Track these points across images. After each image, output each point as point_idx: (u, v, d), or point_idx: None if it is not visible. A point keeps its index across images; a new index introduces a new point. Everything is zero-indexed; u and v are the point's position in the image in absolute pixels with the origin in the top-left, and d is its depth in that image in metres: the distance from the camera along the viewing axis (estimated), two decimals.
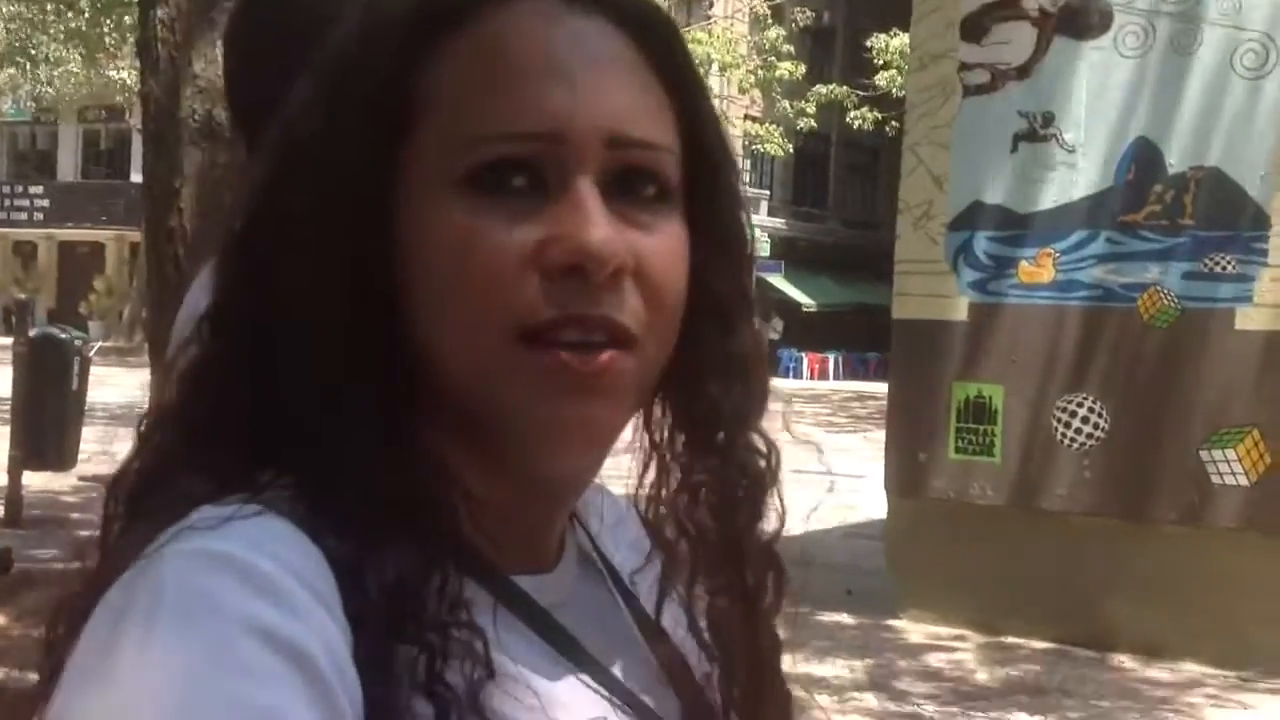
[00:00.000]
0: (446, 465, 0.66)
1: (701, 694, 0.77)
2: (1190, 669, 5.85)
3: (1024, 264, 6.41)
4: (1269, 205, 5.89)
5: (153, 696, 0.55)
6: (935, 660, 5.98)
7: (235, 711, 0.55)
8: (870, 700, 5.32)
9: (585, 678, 0.70)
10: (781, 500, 0.77)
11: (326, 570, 0.61)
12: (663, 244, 0.68)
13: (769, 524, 0.78)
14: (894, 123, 17.95)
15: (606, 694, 0.71)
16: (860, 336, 32.60)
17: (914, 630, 6.45)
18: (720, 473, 0.75)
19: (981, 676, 5.75)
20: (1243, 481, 5.89)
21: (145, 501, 0.66)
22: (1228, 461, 5.93)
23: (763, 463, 0.76)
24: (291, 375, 0.66)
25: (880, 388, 7.16)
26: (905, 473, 6.65)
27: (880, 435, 7.05)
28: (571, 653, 0.70)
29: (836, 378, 33.28)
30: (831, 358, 34.59)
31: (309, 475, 0.64)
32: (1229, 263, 5.96)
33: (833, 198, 40.38)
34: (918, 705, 5.28)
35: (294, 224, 0.67)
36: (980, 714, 5.19)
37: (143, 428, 0.70)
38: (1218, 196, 6.00)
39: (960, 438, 6.49)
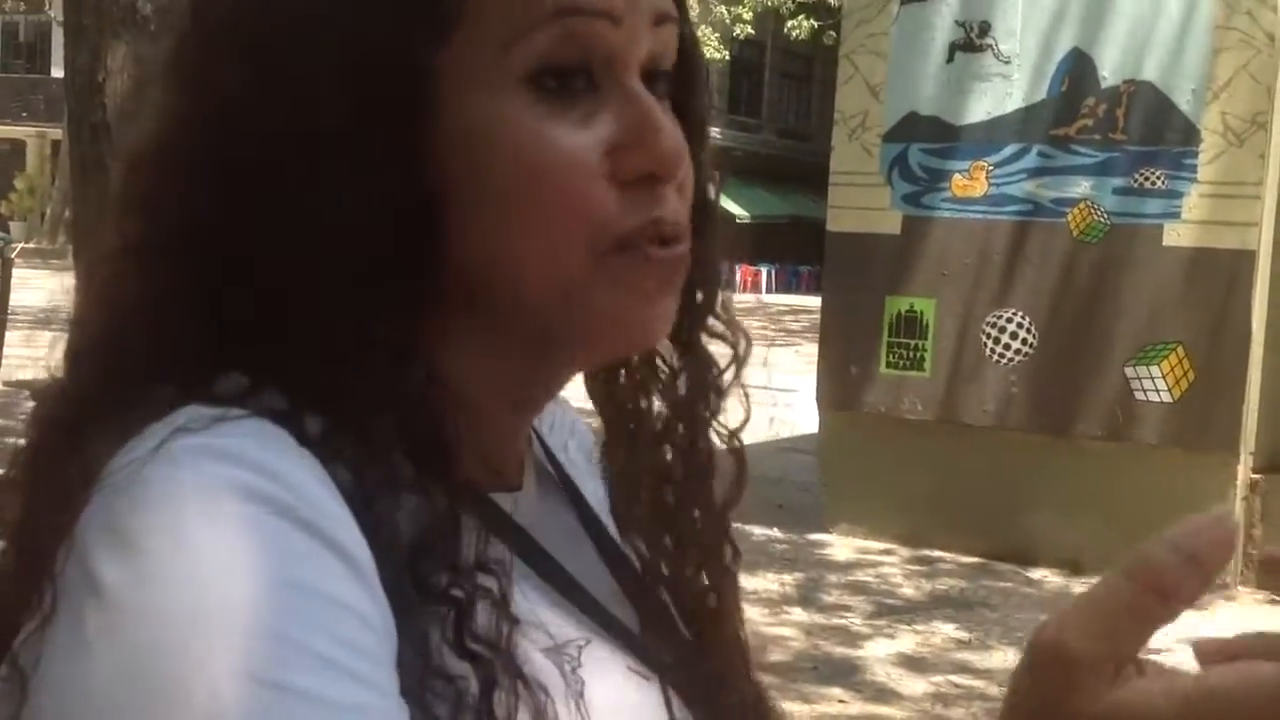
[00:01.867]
0: (461, 393, 0.61)
1: (657, 601, 0.74)
2: None
3: (957, 177, 6.38)
4: (1199, 121, 5.89)
5: (207, 597, 0.50)
6: (863, 574, 6.05)
7: (301, 597, 0.51)
8: (799, 614, 5.36)
9: (566, 600, 0.68)
10: (746, 392, 0.76)
11: (338, 494, 0.55)
12: (684, 142, 0.65)
13: (735, 415, 0.76)
14: (831, 32, 17.79)
15: (587, 616, 0.68)
16: (794, 249, 32.66)
17: (843, 544, 6.51)
18: (693, 358, 0.74)
19: (908, 590, 5.82)
20: (1166, 398, 5.96)
21: (93, 423, 0.58)
22: (1152, 378, 5.99)
23: (730, 351, 0.75)
24: (300, 303, 0.59)
25: (813, 301, 7.16)
26: (837, 387, 6.66)
27: (812, 349, 7.05)
28: (555, 577, 0.68)
29: (769, 291, 33.39)
30: (764, 270, 34.66)
31: (306, 398, 0.58)
32: (1159, 178, 5.97)
33: (768, 107, 40.16)
34: (845, 618, 5.33)
35: (305, 125, 0.58)
36: (905, 627, 5.25)
37: (69, 355, 0.63)
38: (1149, 111, 5.99)
39: (892, 352, 6.50)
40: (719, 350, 0.75)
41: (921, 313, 6.45)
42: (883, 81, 6.53)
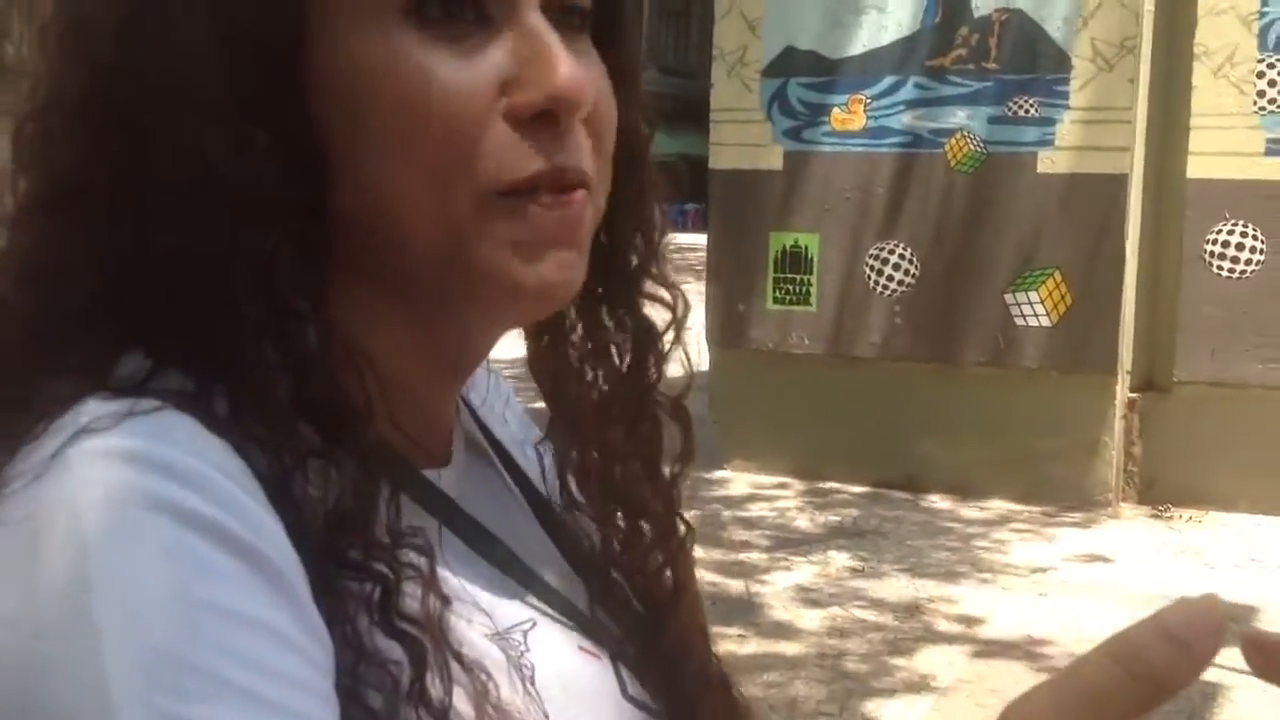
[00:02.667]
0: (369, 354, 0.57)
1: (605, 572, 0.71)
2: (997, 505, 6.11)
3: (836, 111, 6.40)
4: (1070, 48, 5.98)
5: (108, 616, 0.46)
6: (759, 509, 6.11)
7: (207, 617, 0.47)
8: (697, 551, 5.38)
9: (508, 579, 0.64)
10: (686, 350, 0.72)
11: (253, 481, 0.51)
12: (602, 81, 0.61)
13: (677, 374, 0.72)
14: None
15: (530, 594, 0.65)
16: (679, 187, 32.62)
17: (738, 480, 6.56)
18: (631, 325, 0.70)
19: (802, 523, 5.89)
20: (1045, 322, 6.09)
21: None
22: (1031, 304, 6.11)
23: (669, 312, 0.71)
24: (187, 257, 0.54)
25: (699, 239, 7.14)
26: (725, 324, 6.68)
27: (700, 287, 7.05)
28: (491, 553, 0.64)
29: None
30: None
31: (210, 376, 0.54)
32: (1032, 106, 6.05)
33: (648, 44, 40.00)
34: (742, 554, 5.39)
35: (182, 71, 0.55)
36: (802, 559, 5.32)
37: None
38: (1021, 39, 6.06)
39: (778, 288, 6.53)
40: (657, 313, 0.71)
41: (806, 247, 6.48)
42: (760, 16, 6.50)
